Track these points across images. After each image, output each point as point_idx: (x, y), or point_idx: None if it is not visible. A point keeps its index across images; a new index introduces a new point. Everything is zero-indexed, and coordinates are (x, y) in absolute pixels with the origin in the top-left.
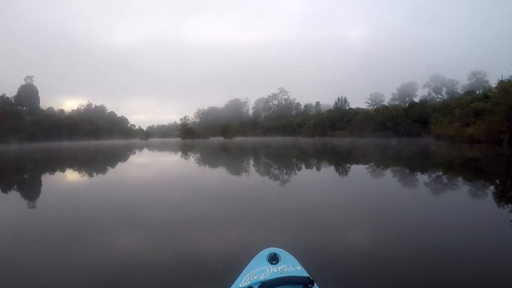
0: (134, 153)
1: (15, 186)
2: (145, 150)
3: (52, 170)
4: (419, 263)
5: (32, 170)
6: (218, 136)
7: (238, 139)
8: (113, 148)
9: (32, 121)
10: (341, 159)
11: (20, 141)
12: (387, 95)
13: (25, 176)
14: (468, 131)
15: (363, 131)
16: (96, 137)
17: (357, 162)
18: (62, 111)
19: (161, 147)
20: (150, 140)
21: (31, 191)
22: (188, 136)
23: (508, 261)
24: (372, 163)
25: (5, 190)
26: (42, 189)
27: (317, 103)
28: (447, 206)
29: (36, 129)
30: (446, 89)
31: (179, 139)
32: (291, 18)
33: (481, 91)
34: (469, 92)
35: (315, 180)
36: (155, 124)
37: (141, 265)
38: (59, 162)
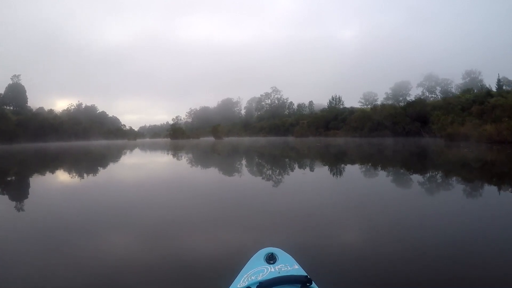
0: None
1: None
2: (115, 153)
3: None
4: (416, 262)
5: None
6: (210, 136)
7: (231, 139)
8: (77, 151)
9: (17, 121)
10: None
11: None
12: (381, 94)
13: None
14: (488, 130)
15: (359, 130)
16: (84, 138)
17: (391, 172)
18: (51, 111)
19: (144, 148)
20: (138, 140)
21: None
22: (178, 136)
23: (506, 261)
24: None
25: None
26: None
27: (310, 103)
28: (445, 206)
29: (19, 129)
30: (440, 89)
31: (168, 139)
32: (284, 18)
33: (475, 90)
34: (468, 90)
35: (312, 180)
36: (147, 124)
37: (137, 267)
38: None
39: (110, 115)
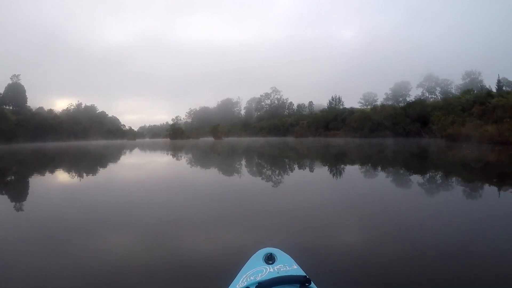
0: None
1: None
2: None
3: None
4: (416, 262)
5: None
6: (210, 136)
7: (230, 139)
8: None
9: (16, 121)
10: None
11: None
12: (381, 95)
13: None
14: (490, 130)
15: (359, 130)
16: (83, 138)
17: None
18: (50, 111)
19: (144, 148)
20: (138, 140)
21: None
22: (178, 136)
23: (506, 261)
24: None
25: None
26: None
27: (310, 103)
28: (445, 206)
29: (18, 129)
30: (440, 89)
31: (168, 139)
32: (284, 18)
33: (475, 91)
34: (468, 91)
35: (312, 180)
36: (147, 124)
37: (137, 267)
38: None
39: (110, 115)
